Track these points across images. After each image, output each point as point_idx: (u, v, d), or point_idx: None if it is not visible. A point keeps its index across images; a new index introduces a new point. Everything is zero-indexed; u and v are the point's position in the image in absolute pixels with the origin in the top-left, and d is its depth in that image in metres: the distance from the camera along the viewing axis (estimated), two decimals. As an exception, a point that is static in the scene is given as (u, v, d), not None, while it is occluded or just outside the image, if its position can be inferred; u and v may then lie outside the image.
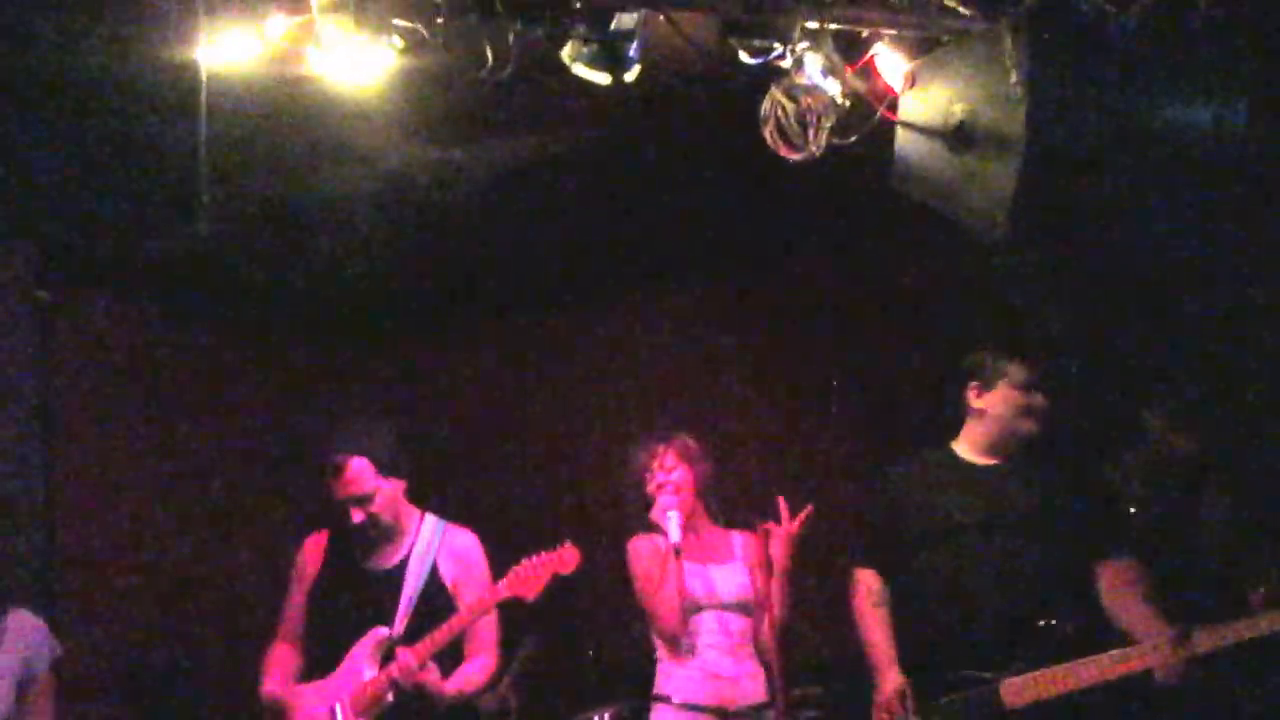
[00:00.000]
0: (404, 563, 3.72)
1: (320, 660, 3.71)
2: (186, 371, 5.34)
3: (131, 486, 5.12)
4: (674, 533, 3.74)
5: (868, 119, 3.51)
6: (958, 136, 3.30)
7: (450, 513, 3.90)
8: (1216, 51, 3.34)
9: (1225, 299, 4.27)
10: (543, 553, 3.62)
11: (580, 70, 3.33)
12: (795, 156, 3.50)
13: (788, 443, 5.32)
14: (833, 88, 3.42)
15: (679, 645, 3.81)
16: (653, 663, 3.91)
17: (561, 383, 5.67)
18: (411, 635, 3.60)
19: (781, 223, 4.93)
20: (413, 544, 3.74)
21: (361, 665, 3.61)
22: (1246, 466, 4.03)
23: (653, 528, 3.86)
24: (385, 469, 3.69)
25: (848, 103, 3.46)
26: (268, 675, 3.75)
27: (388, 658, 3.60)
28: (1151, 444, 4.10)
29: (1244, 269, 4.18)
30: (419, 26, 3.28)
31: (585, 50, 3.29)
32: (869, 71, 3.53)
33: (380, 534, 3.72)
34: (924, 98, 3.41)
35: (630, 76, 3.34)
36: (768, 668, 3.78)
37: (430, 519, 3.80)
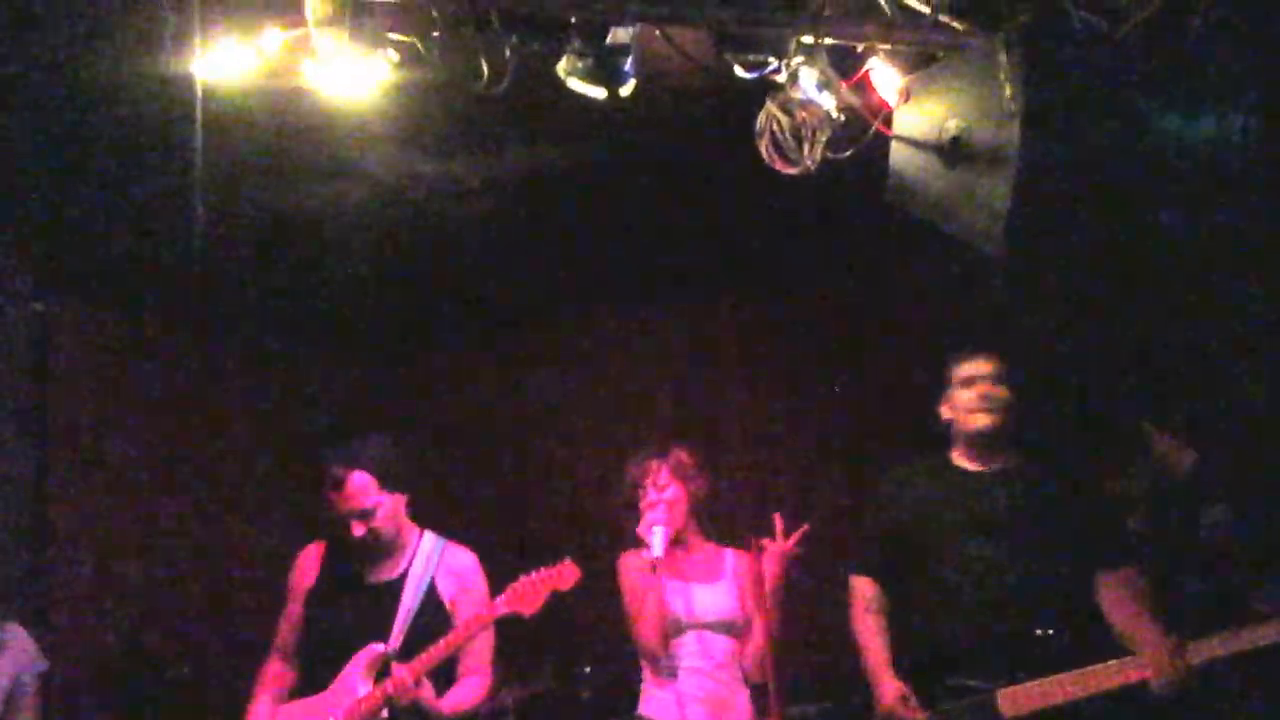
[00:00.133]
0: (402, 577, 3.70)
1: (314, 675, 3.68)
2: (182, 384, 5.34)
3: (126, 498, 5.11)
4: (656, 548, 3.69)
5: (863, 133, 3.51)
6: (953, 151, 3.30)
7: (447, 526, 3.88)
8: (1211, 65, 3.35)
9: (1224, 310, 4.27)
10: (542, 569, 3.60)
11: (576, 85, 3.33)
12: (790, 170, 3.51)
13: (785, 455, 5.32)
14: (828, 102, 3.43)
15: (660, 665, 3.77)
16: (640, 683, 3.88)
17: (559, 396, 5.67)
18: (407, 651, 3.58)
19: (777, 237, 4.94)
20: (411, 559, 3.72)
21: (356, 681, 3.59)
22: (1245, 478, 4.02)
23: (643, 543, 3.82)
24: (387, 483, 3.68)
25: (843, 117, 3.47)
26: (260, 691, 3.73)
27: (383, 674, 3.58)
28: (1152, 456, 4.09)
29: (1242, 280, 4.18)
30: (414, 40, 3.29)
31: (581, 65, 3.30)
32: (864, 86, 3.53)
33: (380, 548, 3.70)
34: (919, 112, 3.42)
35: (626, 91, 3.35)
36: (757, 689, 3.74)
37: (429, 536, 3.78)
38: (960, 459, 3.66)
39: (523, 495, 5.61)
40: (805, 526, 3.76)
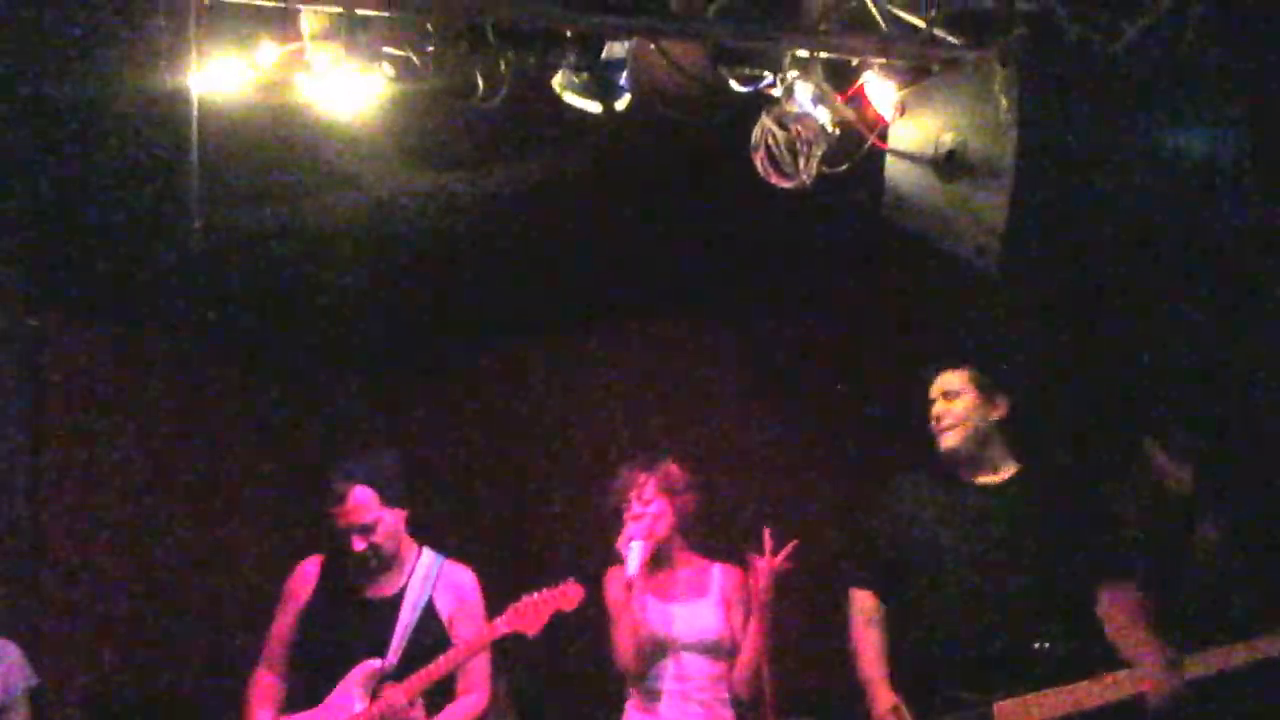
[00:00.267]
0: (400, 593, 3.69)
1: (308, 690, 3.67)
2: (176, 398, 5.33)
3: (120, 512, 5.10)
4: (631, 565, 3.66)
5: (858, 147, 3.52)
6: (948, 165, 3.30)
7: (443, 541, 3.87)
8: (1206, 78, 3.36)
9: (1220, 321, 4.27)
10: (546, 589, 3.59)
11: (571, 99, 3.34)
12: (786, 184, 3.52)
13: (783, 468, 5.31)
14: (823, 116, 3.44)
15: (642, 687, 3.74)
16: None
17: (555, 410, 5.66)
18: (404, 667, 3.57)
19: (773, 251, 4.94)
20: (409, 576, 3.71)
21: (352, 697, 3.57)
22: (1241, 493, 4.02)
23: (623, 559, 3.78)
24: (388, 498, 3.68)
25: (838, 131, 3.47)
26: (252, 705, 3.71)
27: (379, 690, 3.56)
28: (1151, 471, 4.09)
29: (1237, 292, 4.18)
30: (410, 54, 3.30)
31: (576, 79, 3.30)
32: (859, 100, 3.54)
33: (380, 563, 3.70)
34: (914, 126, 3.42)
35: (621, 105, 3.35)
36: (745, 706, 3.71)
37: (428, 553, 3.77)
38: (956, 473, 3.66)
39: (519, 510, 5.60)
40: (795, 541, 3.73)
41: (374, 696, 3.55)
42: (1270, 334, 4.10)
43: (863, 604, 3.66)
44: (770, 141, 3.48)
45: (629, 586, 3.66)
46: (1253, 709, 3.45)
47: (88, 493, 4.99)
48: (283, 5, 3.11)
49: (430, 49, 3.30)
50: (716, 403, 5.44)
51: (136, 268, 4.66)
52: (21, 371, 4.79)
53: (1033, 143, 3.14)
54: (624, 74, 3.31)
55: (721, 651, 3.76)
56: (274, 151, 3.93)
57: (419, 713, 3.50)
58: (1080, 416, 4.43)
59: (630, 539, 3.70)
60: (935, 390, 3.63)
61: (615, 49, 3.29)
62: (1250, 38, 3.42)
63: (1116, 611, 3.44)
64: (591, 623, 3.83)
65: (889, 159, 3.48)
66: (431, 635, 3.62)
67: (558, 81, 3.33)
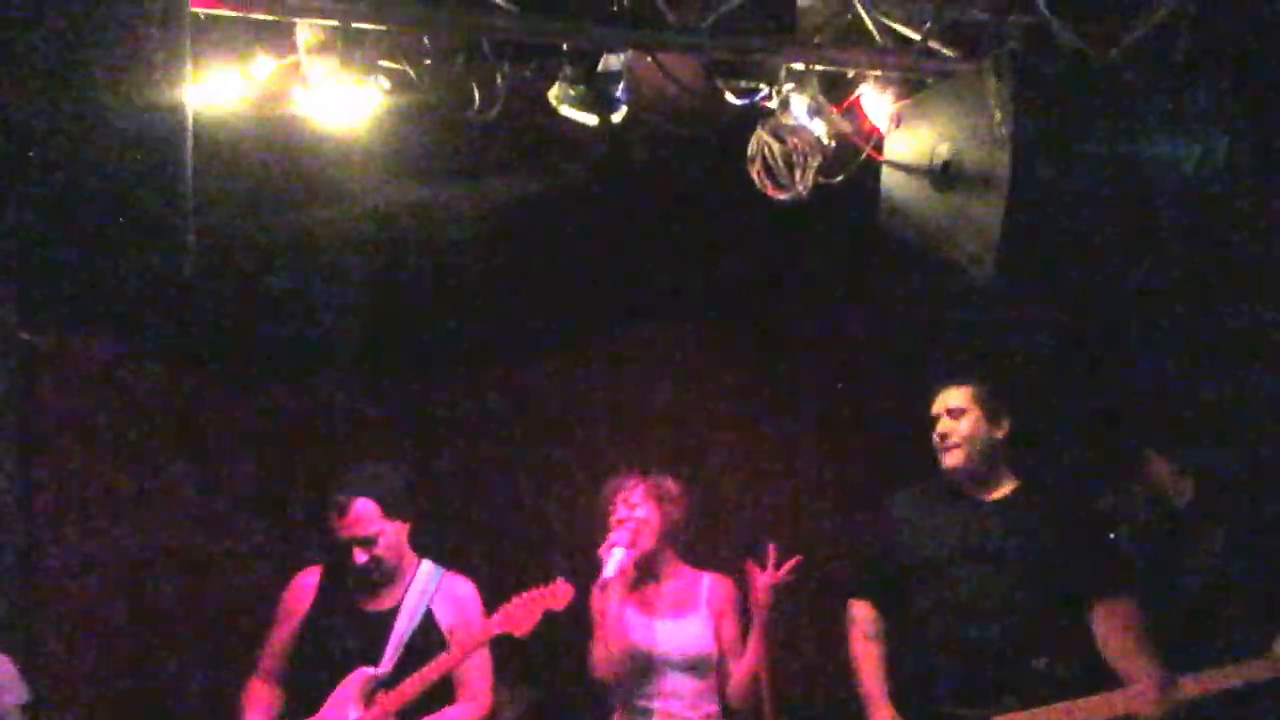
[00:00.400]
0: (398, 605, 3.67)
1: (304, 700, 3.64)
2: (171, 413, 5.31)
3: (114, 528, 5.07)
4: (608, 569, 3.55)
5: (854, 159, 3.53)
6: (943, 176, 3.30)
7: (442, 550, 3.85)
8: (1200, 88, 3.37)
9: (1216, 333, 4.28)
10: (535, 589, 3.55)
11: (568, 111, 3.34)
12: (782, 196, 3.53)
13: (781, 479, 5.30)
14: (819, 128, 3.45)
15: (626, 703, 3.65)
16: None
17: (552, 421, 5.65)
18: (399, 675, 3.55)
19: (770, 262, 4.94)
20: (408, 587, 3.69)
21: (347, 706, 3.56)
22: (1237, 507, 4.02)
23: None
24: (391, 511, 3.65)
25: (834, 143, 3.49)
26: (247, 716, 3.69)
27: (373, 698, 3.55)
28: (1149, 482, 4.09)
29: (1232, 302, 4.20)
30: (406, 68, 3.31)
31: (572, 92, 3.31)
32: (854, 112, 3.56)
33: (380, 576, 3.67)
34: (909, 138, 3.43)
35: (617, 117, 3.36)
36: (739, 718, 3.66)
37: (427, 564, 3.75)
38: (956, 487, 3.65)
39: (517, 520, 5.58)
40: (798, 559, 3.66)
41: (368, 704, 3.54)
42: (1266, 343, 4.11)
43: (862, 616, 3.65)
44: (766, 153, 3.49)
45: (602, 589, 3.58)
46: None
47: (82, 507, 4.96)
48: (278, 19, 3.11)
49: (427, 62, 3.31)
50: (715, 413, 5.43)
51: (130, 282, 4.64)
52: (15, 387, 4.77)
53: (1027, 154, 3.14)
54: (620, 87, 3.32)
55: (709, 667, 3.69)
56: (270, 165, 3.93)
57: None
58: (1078, 429, 4.43)
59: (612, 545, 3.61)
60: (939, 406, 3.61)
61: (611, 62, 3.30)
62: (1243, 49, 3.44)
63: (1112, 629, 3.43)
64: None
65: (884, 170, 3.48)
66: (428, 643, 3.60)
67: (554, 94, 3.34)
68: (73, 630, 4.86)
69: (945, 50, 3.45)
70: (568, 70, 3.29)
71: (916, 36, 3.40)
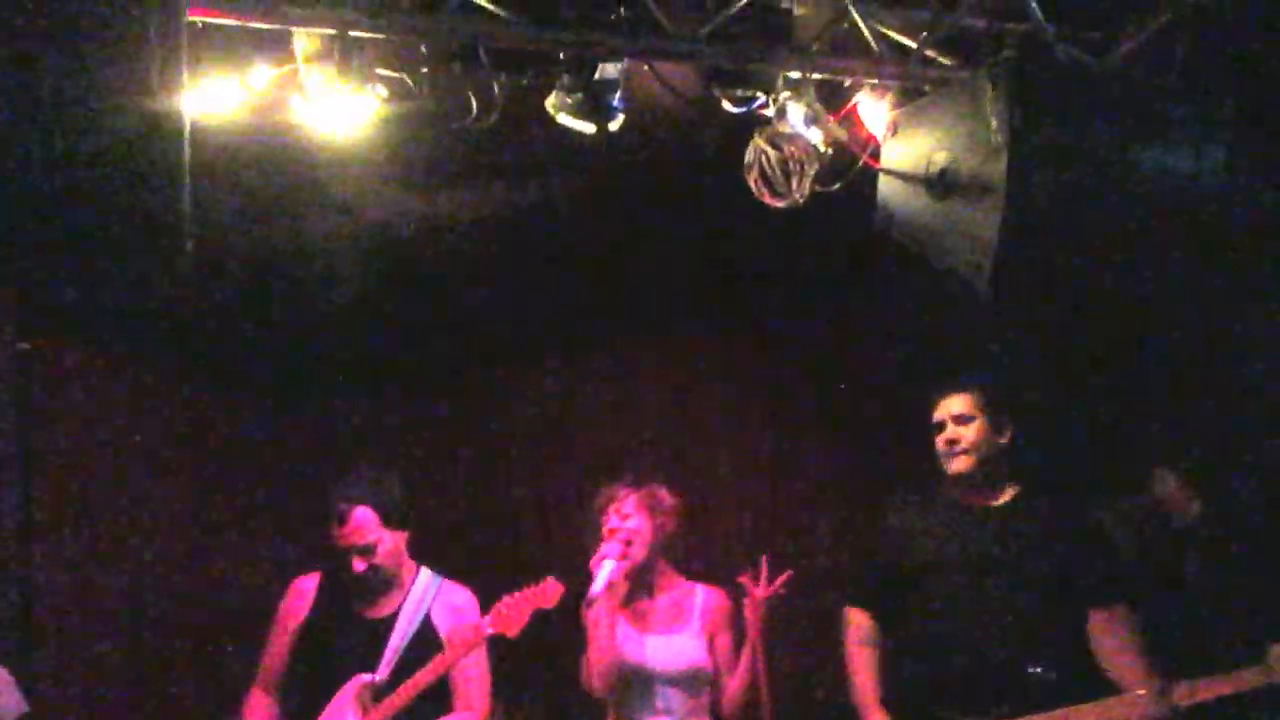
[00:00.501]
0: (396, 613, 3.65)
1: (303, 709, 3.63)
2: (168, 422, 5.30)
3: (113, 538, 5.06)
4: (597, 583, 3.48)
5: (850, 167, 3.53)
6: (940, 184, 3.32)
7: (440, 560, 3.84)
8: (1195, 98, 3.38)
9: (1211, 337, 4.28)
10: (525, 588, 3.52)
11: (565, 120, 3.35)
12: (779, 204, 3.53)
13: (779, 487, 5.30)
14: (815, 136, 3.46)
15: (610, 711, 3.59)
16: None
17: (550, 430, 5.65)
18: (396, 681, 3.54)
19: (767, 270, 4.95)
20: (406, 595, 3.68)
21: (345, 714, 3.55)
22: (1236, 519, 4.03)
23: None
24: (390, 520, 3.64)
25: (830, 151, 3.49)
26: None
27: (370, 704, 3.54)
28: (1158, 499, 4.08)
29: (1226, 311, 4.20)
30: (403, 76, 3.32)
31: (570, 100, 3.32)
32: (851, 120, 3.57)
33: (378, 584, 3.66)
34: (906, 146, 3.44)
35: (614, 126, 3.37)
36: None
37: (425, 572, 3.74)
38: (954, 494, 3.65)
39: (514, 530, 5.58)
40: (789, 574, 3.61)
41: (365, 711, 3.53)
42: (1263, 349, 4.12)
43: (858, 623, 3.63)
44: (763, 161, 3.50)
45: (590, 604, 3.51)
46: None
47: (81, 516, 4.95)
48: (276, 27, 3.12)
49: (424, 70, 3.32)
50: (712, 421, 5.43)
51: (128, 289, 4.64)
52: (12, 396, 4.76)
53: (1024, 161, 3.15)
54: (617, 95, 3.33)
55: (702, 682, 3.63)
56: (267, 172, 3.93)
57: None
58: (1076, 437, 4.43)
59: (602, 557, 3.55)
60: (943, 413, 3.58)
61: (608, 70, 3.31)
62: (1238, 58, 3.45)
63: (1108, 636, 3.43)
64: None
65: (881, 178, 3.49)
66: (426, 650, 3.58)
67: (551, 103, 3.34)
68: (70, 640, 4.85)
69: (942, 59, 3.46)
70: (565, 79, 3.30)
71: (913, 45, 3.41)
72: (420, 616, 3.64)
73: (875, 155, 3.51)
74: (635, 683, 3.60)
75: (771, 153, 3.48)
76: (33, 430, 4.80)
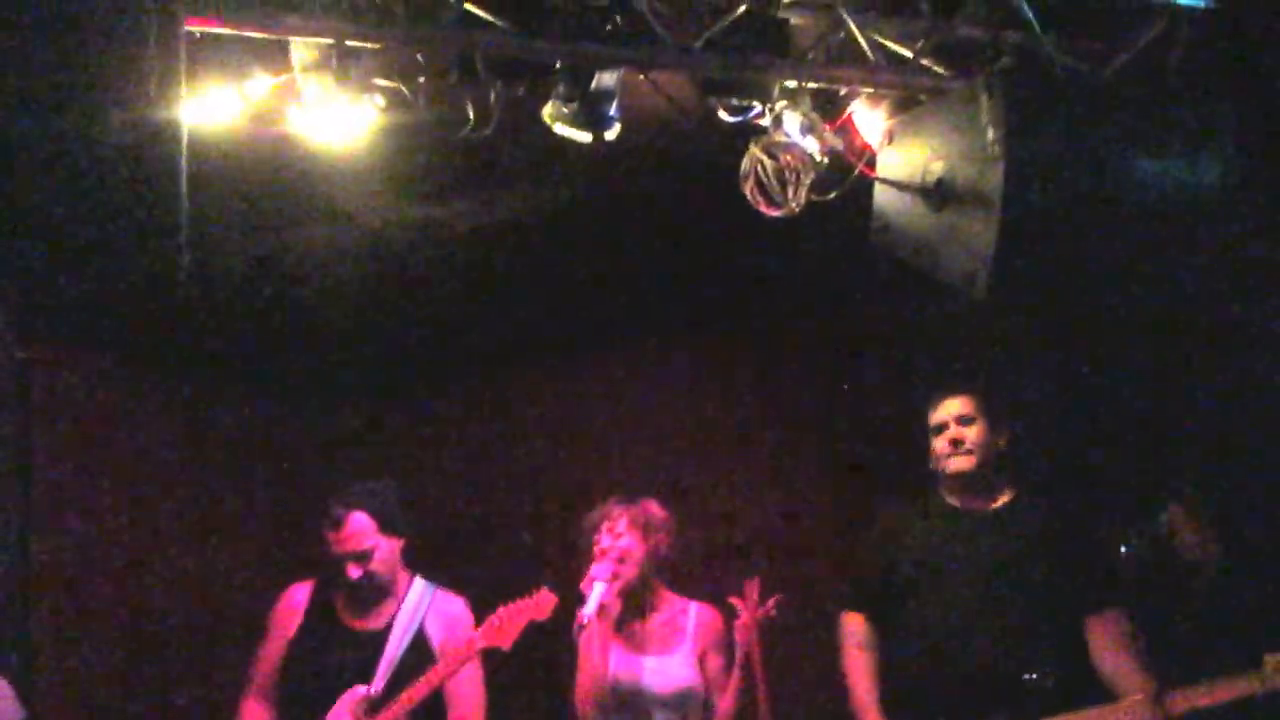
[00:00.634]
0: (390, 624, 3.65)
1: (298, 719, 3.64)
2: (166, 430, 5.32)
3: (112, 545, 5.07)
4: (588, 606, 3.44)
5: (847, 176, 3.54)
6: (936, 193, 3.32)
7: (435, 569, 3.84)
8: (1191, 106, 3.39)
9: (1205, 346, 4.28)
10: (518, 600, 3.53)
11: (561, 129, 3.35)
12: (775, 213, 3.53)
13: (775, 496, 5.30)
14: (811, 145, 3.46)
15: None
16: None
17: (546, 440, 5.66)
18: (390, 694, 3.54)
19: (763, 279, 4.95)
20: (400, 605, 3.67)
21: (341, 725, 3.55)
22: (1236, 526, 4.02)
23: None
24: (386, 527, 3.65)
25: (826, 160, 3.50)
26: None
27: (365, 717, 3.54)
28: (1172, 538, 4.07)
29: (1224, 319, 4.20)
30: (400, 86, 3.32)
31: (566, 109, 3.32)
32: (847, 129, 3.57)
33: (373, 592, 3.66)
34: (902, 155, 3.44)
35: (611, 135, 3.37)
36: None
37: (419, 582, 3.74)
38: (950, 498, 3.66)
39: (512, 536, 5.59)
40: (779, 596, 3.65)
41: (363, 723, 3.53)
42: (1262, 355, 4.12)
43: (853, 627, 3.64)
44: (759, 170, 3.50)
45: (581, 628, 3.46)
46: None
47: (80, 524, 4.96)
48: (273, 37, 3.13)
49: (421, 80, 3.32)
50: (709, 428, 5.44)
51: (126, 297, 4.65)
52: (12, 404, 4.77)
53: (1020, 170, 3.15)
54: (614, 104, 3.33)
55: (695, 703, 3.62)
56: (265, 183, 3.93)
57: None
58: (1073, 443, 4.43)
59: (593, 579, 3.52)
60: (945, 414, 3.61)
61: (605, 79, 3.31)
62: (1233, 67, 3.45)
63: (1105, 642, 3.43)
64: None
65: (877, 187, 3.50)
66: (420, 662, 3.58)
67: (548, 112, 3.35)
68: (69, 648, 4.85)
69: (937, 68, 3.46)
70: (561, 88, 3.30)
71: (909, 54, 3.42)
72: (414, 628, 3.64)
73: (871, 164, 3.51)
74: (628, 705, 3.58)
75: (768, 162, 3.49)
76: (33, 436, 4.81)
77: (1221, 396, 4.18)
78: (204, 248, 4.00)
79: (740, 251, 4.55)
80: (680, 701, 3.61)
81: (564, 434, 5.62)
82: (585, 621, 3.43)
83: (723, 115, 3.46)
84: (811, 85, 3.45)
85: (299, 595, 3.75)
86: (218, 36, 3.10)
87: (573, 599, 3.57)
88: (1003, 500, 3.61)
